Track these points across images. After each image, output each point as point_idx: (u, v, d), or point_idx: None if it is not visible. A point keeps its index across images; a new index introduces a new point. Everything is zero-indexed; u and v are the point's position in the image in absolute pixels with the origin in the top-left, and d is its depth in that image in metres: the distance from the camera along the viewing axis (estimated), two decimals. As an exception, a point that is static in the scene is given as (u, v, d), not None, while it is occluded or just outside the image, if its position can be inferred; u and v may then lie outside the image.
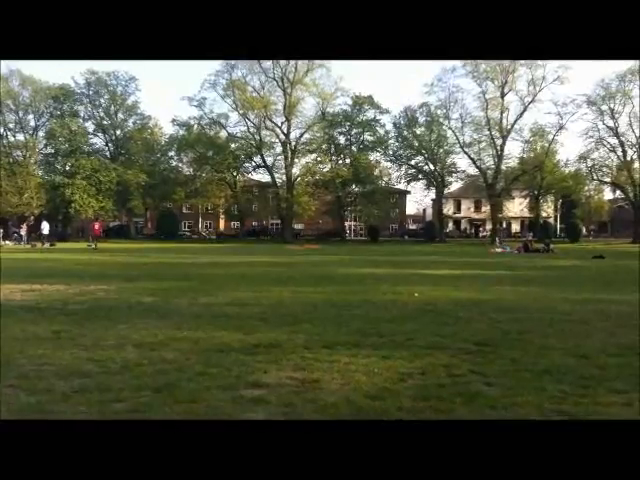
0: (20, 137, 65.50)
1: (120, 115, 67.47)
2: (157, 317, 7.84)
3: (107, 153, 67.83)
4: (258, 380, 4.66)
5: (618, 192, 67.60)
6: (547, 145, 65.93)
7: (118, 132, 67.60)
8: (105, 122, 66.78)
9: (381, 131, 68.89)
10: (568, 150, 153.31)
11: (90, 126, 67.07)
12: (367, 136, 68.69)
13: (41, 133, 65.67)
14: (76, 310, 8.42)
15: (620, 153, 63.40)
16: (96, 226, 40.15)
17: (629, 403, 4.11)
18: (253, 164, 68.65)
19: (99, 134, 68.04)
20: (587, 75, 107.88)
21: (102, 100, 66.01)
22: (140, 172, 61.69)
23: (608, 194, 70.34)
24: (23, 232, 46.59)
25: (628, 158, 63.09)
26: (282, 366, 5.15)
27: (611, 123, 62.73)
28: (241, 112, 65.19)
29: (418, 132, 67.33)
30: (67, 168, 61.80)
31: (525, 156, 68.18)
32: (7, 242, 43.06)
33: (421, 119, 67.56)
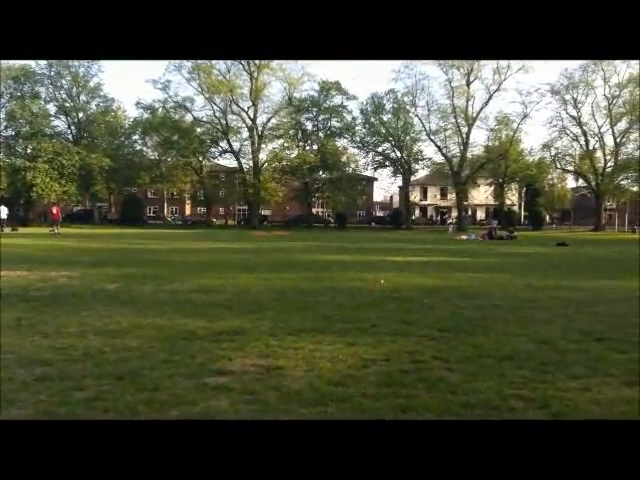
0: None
1: (83, 97, 65.72)
2: (120, 304, 7.75)
3: (70, 136, 66.09)
4: (222, 368, 4.65)
5: (581, 181, 68.98)
6: (512, 133, 66.75)
7: (81, 115, 65.82)
8: (67, 104, 64.99)
9: (348, 117, 68.81)
10: (532, 139, 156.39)
11: (52, 108, 65.13)
12: (334, 122, 68.58)
13: (1, 115, 63.83)
14: (38, 297, 8.26)
15: (583, 142, 64.74)
16: (54, 210, 38.96)
17: (587, 388, 4.22)
18: (219, 149, 67.86)
19: (61, 116, 66.17)
20: (551, 64, 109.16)
21: (64, 82, 64.17)
22: (104, 156, 60.37)
23: (571, 182, 71.98)
24: None
25: (590, 147, 64.49)
26: (247, 353, 5.14)
27: (574, 112, 63.97)
28: (207, 96, 64.29)
29: (385, 119, 67.46)
30: (28, 151, 60.15)
31: (490, 144, 68.98)
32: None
33: (388, 106, 67.67)
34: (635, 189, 65.00)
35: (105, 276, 11.06)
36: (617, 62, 60.19)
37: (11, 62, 62.04)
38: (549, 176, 68.80)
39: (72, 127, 66.53)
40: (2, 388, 3.98)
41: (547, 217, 71.31)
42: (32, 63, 63.04)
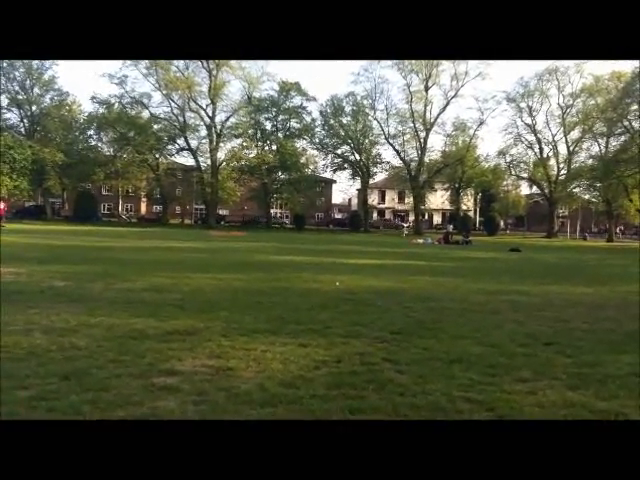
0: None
1: (36, 90, 64.02)
2: (69, 302, 7.56)
3: (22, 129, 64.27)
4: (172, 368, 4.58)
5: (534, 187, 70.71)
6: (468, 139, 68.05)
7: (34, 108, 64.12)
8: (20, 97, 63.18)
9: (308, 119, 68.97)
10: (488, 145, 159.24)
11: (4, 100, 63.34)
12: (294, 123, 68.61)
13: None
14: (-19, 294, 7.99)
15: (537, 150, 66.52)
16: (1, 205, 37.84)
17: (533, 392, 4.30)
18: (177, 147, 67.13)
19: (13, 109, 64.29)
20: (508, 72, 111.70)
21: (17, 73, 62.35)
22: (57, 151, 58.90)
23: (525, 189, 73.60)
24: None
25: (544, 155, 66.22)
26: (197, 354, 5.08)
27: (529, 120, 65.71)
28: (164, 92, 63.52)
29: (344, 121, 67.86)
30: (-23, 144, 58.37)
31: (447, 150, 70.23)
32: None
33: (347, 108, 68.10)
34: (586, 197, 66.96)
35: (54, 273, 10.78)
36: (571, 72, 62.19)
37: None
38: (504, 182, 70.38)
39: (25, 120, 64.79)
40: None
41: (501, 223, 72.73)
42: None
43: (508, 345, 5.89)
